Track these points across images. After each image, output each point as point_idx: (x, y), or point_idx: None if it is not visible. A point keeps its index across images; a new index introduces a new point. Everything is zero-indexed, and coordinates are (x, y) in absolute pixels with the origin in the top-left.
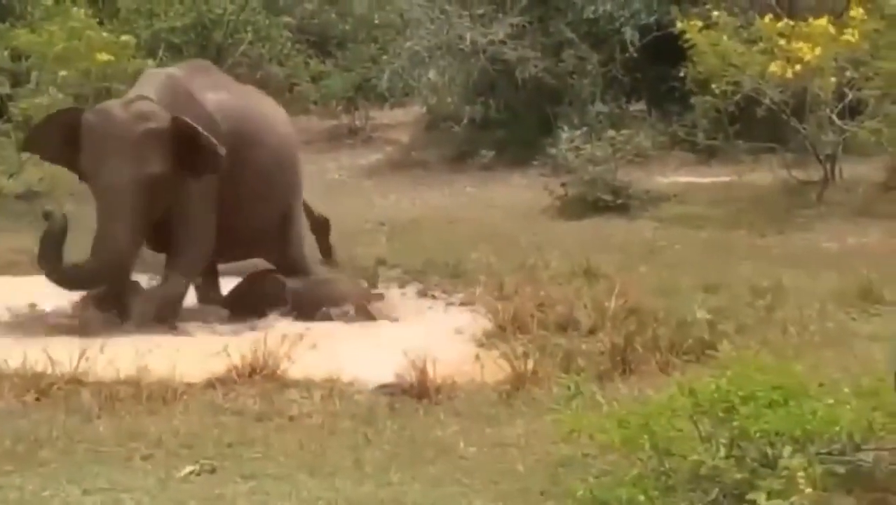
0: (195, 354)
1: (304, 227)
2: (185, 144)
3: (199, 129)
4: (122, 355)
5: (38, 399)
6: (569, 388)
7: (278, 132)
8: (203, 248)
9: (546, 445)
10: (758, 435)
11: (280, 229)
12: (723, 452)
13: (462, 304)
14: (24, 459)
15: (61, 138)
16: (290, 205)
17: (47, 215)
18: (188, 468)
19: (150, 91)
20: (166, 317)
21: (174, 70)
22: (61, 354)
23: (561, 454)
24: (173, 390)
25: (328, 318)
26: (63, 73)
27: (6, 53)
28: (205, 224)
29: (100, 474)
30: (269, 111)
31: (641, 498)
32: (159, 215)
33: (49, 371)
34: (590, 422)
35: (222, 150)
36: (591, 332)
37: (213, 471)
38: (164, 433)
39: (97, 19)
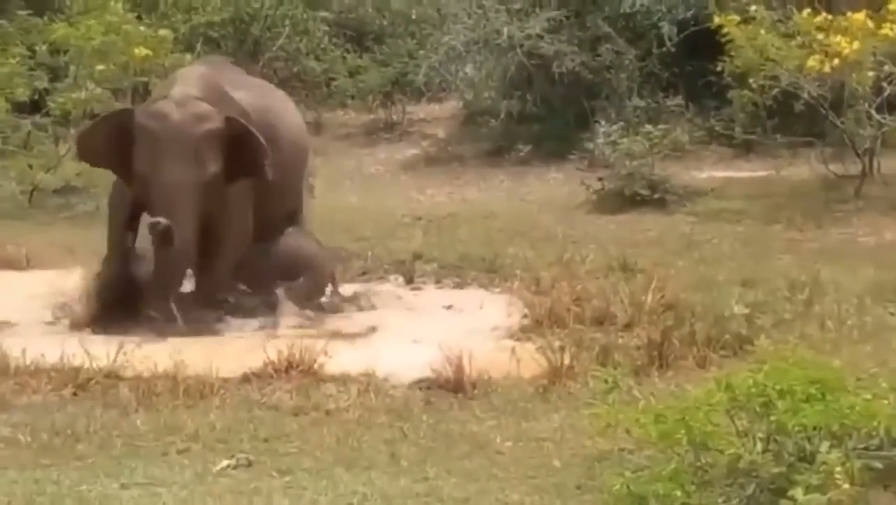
0: (232, 349)
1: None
2: (237, 145)
3: (252, 129)
4: (158, 350)
5: (75, 393)
6: (605, 382)
7: (293, 129)
8: (240, 250)
9: (582, 439)
10: (795, 430)
11: (287, 225)
12: (760, 446)
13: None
14: (61, 453)
15: (113, 142)
16: (299, 202)
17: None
18: (224, 462)
19: (193, 90)
20: (213, 318)
21: (203, 67)
22: (99, 349)
23: (597, 449)
24: (210, 385)
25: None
26: (101, 67)
27: (44, 48)
28: (243, 225)
29: (137, 468)
30: (283, 107)
31: (678, 493)
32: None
33: (86, 365)
34: (626, 416)
35: (269, 152)
36: (628, 326)
37: (249, 465)
38: (200, 427)
39: (135, 14)
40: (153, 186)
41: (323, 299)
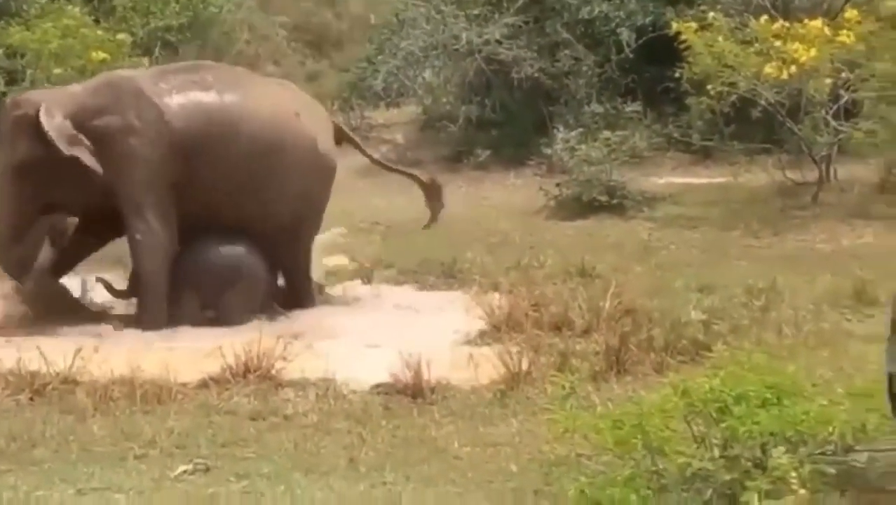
0: (189, 354)
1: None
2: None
3: (42, 118)
4: (115, 355)
5: (31, 398)
6: (563, 388)
7: (259, 134)
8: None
9: (540, 444)
10: (749, 435)
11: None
12: (716, 452)
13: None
14: (18, 459)
15: None
16: (269, 213)
17: None
18: (182, 468)
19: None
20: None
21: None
22: (55, 354)
23: (554, 454)
24: (167, 390)
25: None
26: (58, 70)
27: (1, 51)
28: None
29: (94, 474)
30: (256, 111)
31: (634, 498)
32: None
33: (43, 370)
34: (584, 422)
35: (63, 147)
36: (586, 332)
37: (207, 470)
38: (158, 433)
39: (93, 17)
40: None
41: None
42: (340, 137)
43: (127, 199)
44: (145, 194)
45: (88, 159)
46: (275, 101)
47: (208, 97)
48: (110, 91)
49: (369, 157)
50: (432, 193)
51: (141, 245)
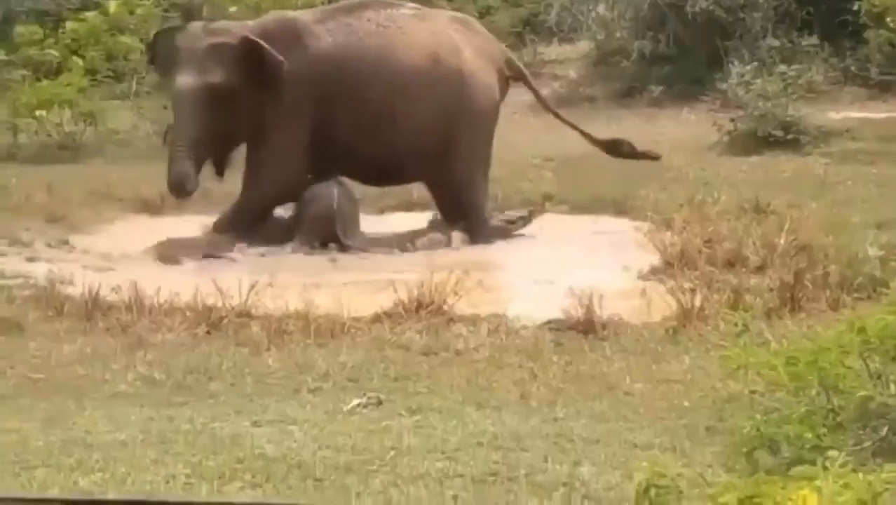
0: (362, 288)
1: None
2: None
3: (263, 43)
4: (290, 289)
5: (208, 332)
6: (736, 324)
7: (388, 71)
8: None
9: (712, 381)
10: None
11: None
12: (893, 389)
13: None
14: (194, 391)
15: None
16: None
17: None
18: (355, 401)
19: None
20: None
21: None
22: (231, 288)
23: (727, 391)
24: (341, 324)
25: None
26: (233, 8)
27: None
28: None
29: (268, 406)
30: (386, 49)
31: (809, 435)
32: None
33: (219, 304)
34: (757, 359)
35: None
36: (760, 268)
37: (379, 404)
38: (331, 366)
39: None
40: None
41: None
42: (519, 78)
43: (271, 129)
44: (287, 128)
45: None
46: (422, 40)
47: (353, 40)
48: (273, 30)
49: (549, 108)
50: (617, 152)
51: (268, 171)
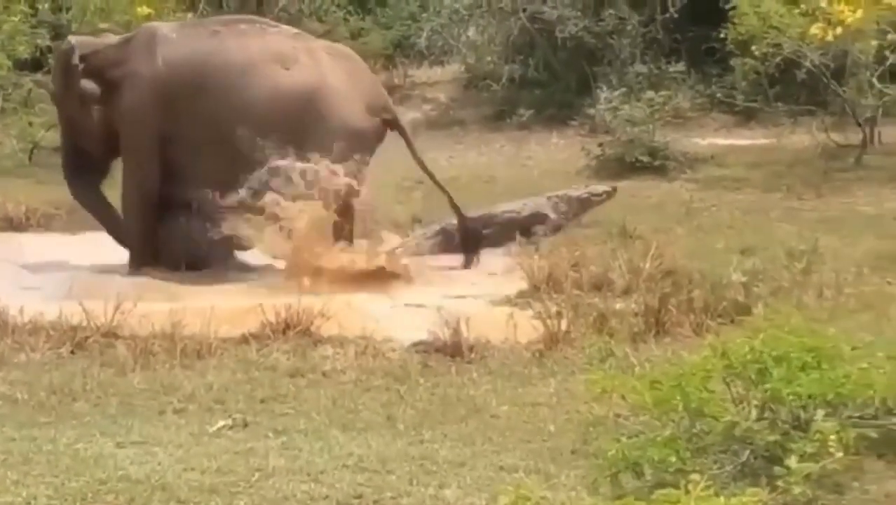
0: (229, 310)
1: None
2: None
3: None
4: (156, 310)
5: (73, 352)
6: (601, 348)
7: (230, 83)
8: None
9: (578, 404)
10: (790, 398)
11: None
12: (755, 414)
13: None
14: (58, 412)
15: None
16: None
17: None
18: (220, 423)
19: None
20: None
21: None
22: (96, 308)
23: (592, 414)
24: (207, 345)
25: None
26: (104, 26)
27: (47, 6)
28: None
29: (133, 427)
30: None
31: (672, 459)
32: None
33: (84, 324)
34: (622, 383)
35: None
36: (626, 292)
37: (245, 425)
38: (197, 388)
39: None
40: None
41: None
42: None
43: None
44: (136, 140)
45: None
46: (255, 55)
47: (195, 49)
48: (133, 38)
49: (422, 166)
50: (467, 235)
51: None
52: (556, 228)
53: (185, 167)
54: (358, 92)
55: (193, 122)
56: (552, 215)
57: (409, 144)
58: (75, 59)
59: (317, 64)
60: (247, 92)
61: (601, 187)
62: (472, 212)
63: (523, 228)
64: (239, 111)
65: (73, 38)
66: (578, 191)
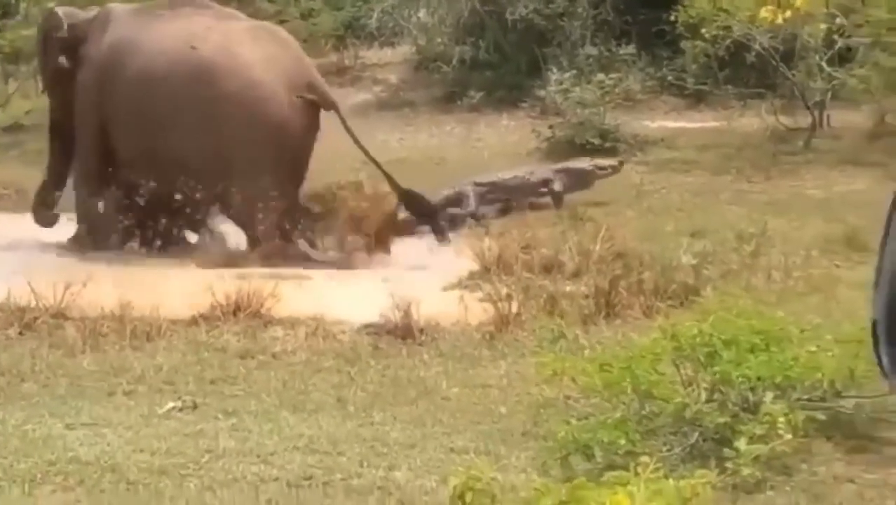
0: (179, 291)
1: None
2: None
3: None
4: (105, 291)
5: (21, 333)
6: (552, 330)
7: (146, 67)
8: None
9: (528, 386)
10: (739, 380)
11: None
12: (704, 396)
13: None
14: (6, 393)
15: None
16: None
17: None
18: (170, 404)
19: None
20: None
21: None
22: (45, 289)
23: (543, 396)
24: (157, 327)
25: None
26: (52, 4)
27: None
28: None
29: (82, 409)
30: (138, 45)
31: (622, 441)
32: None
33: (33, 305)
34: (572, 365)
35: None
36: (576, 274)
37: (194, 407)
38: (146, 369)
39: None
40: None
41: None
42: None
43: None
44: (81, 119)
45: None
46: (169, 36)
47: (125, 32)
48: (94, 17)
49: (357, 141)
50: (410, 206)
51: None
52: (559, 199)
53: (117, 149)
54: (274, 69)
55: (119, 104)
56: (557, 186)
57: (344, 122)
58: (63, 32)
59: (226, 42)
60: (157, 72)
61: (607, 161)
62: (423, 189)
63: (532, 193)
64: (151, 92)
65: (59, 10)
66: (584, 163)
